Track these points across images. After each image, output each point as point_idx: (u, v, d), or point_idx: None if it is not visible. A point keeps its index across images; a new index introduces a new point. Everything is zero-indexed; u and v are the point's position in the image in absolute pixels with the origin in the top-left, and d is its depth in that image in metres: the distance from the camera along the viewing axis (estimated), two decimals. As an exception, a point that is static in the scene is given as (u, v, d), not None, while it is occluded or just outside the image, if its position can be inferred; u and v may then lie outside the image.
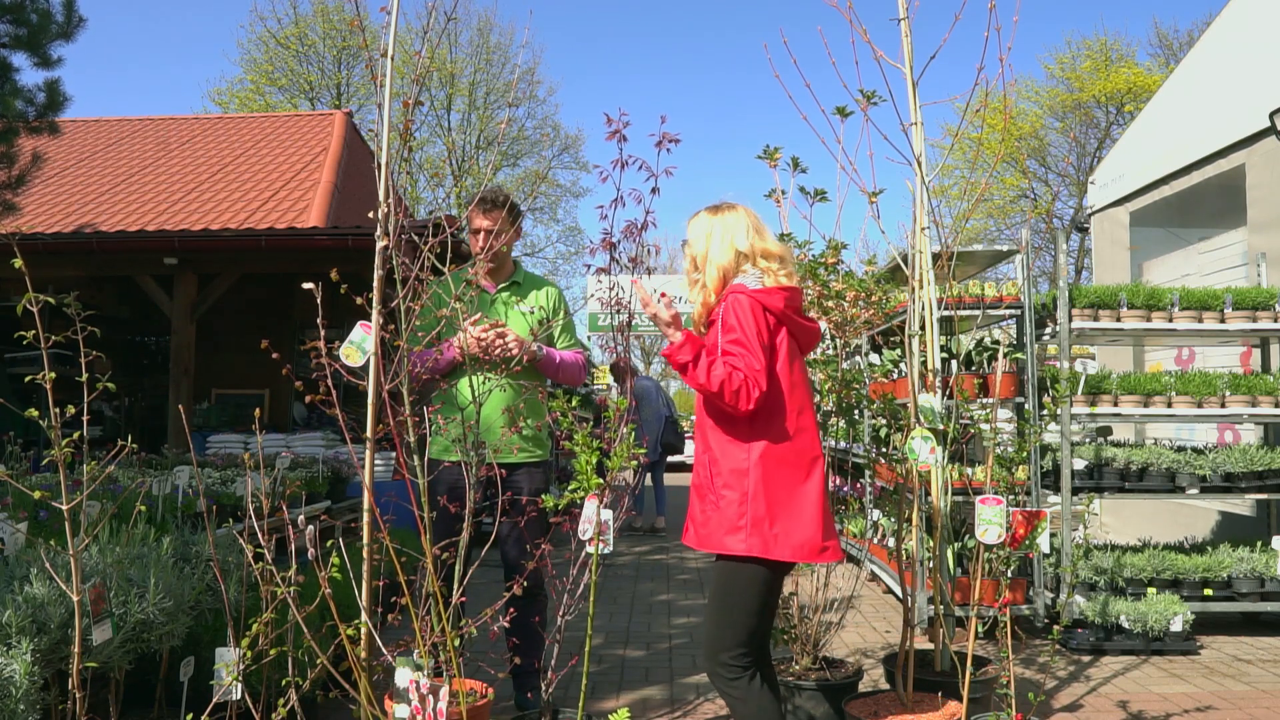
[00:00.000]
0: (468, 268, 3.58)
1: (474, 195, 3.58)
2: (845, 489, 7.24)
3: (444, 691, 2.35)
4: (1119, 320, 5.16)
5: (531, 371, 3.49)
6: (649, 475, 9.72)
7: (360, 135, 14.20)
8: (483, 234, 3.52)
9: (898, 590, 4.92)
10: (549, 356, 3.53)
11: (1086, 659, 4.65)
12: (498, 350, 3.29)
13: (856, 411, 4.17)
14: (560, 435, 2.84)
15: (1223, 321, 5.17)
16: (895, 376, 5.65)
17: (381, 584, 2.52)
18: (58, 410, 2.32)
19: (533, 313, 3.61)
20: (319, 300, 2.46)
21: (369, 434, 2.52)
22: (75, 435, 2.35)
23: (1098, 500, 6.49)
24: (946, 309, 4.17)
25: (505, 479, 3.34)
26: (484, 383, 2.95)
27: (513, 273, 3.69)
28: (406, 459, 2.58)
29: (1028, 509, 3.27)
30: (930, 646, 3.65)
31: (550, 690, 3.04)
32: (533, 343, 3.42)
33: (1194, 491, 5.13)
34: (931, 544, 3.59)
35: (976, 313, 4.96)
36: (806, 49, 3.45)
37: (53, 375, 2.29)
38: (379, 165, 2.61)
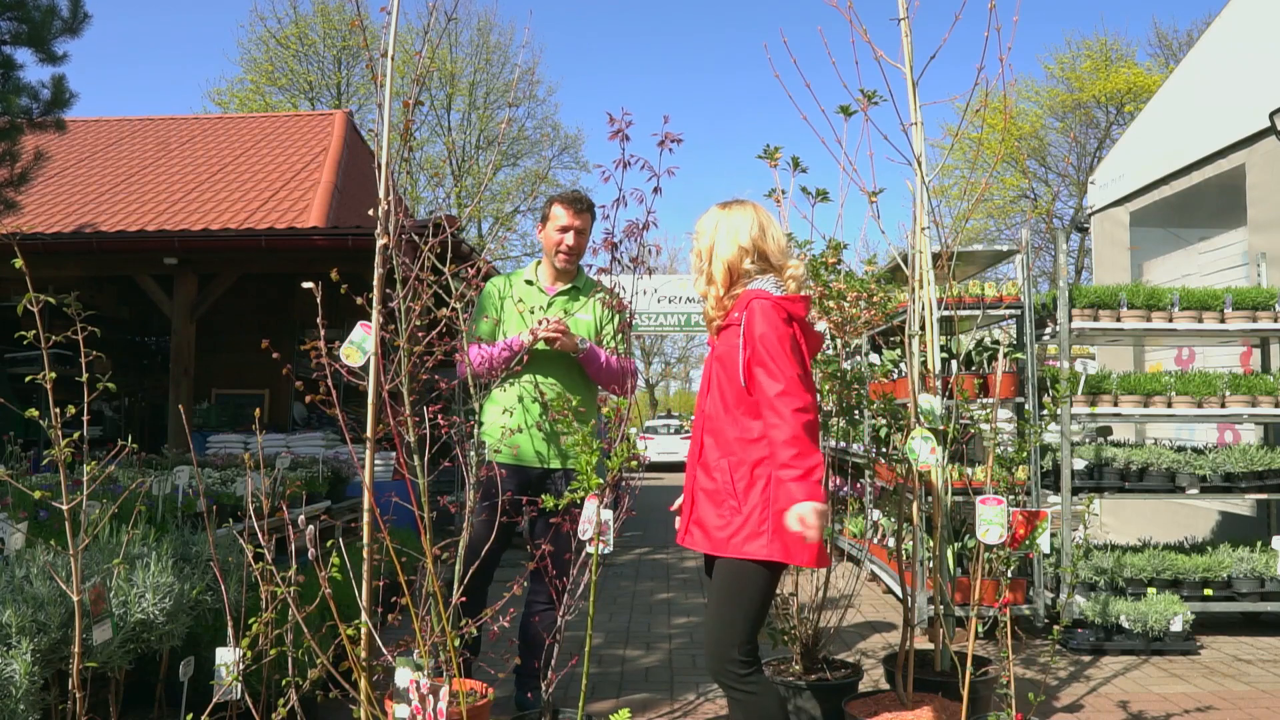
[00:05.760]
0: (533, 266, 3.63)
1: (559, 193, 3.63)
2: (845, 489, 7.23)
3: (444, 691, 2.35)
4: (1119, 320, 5.16)
5: (579, 373, 3.51)
6: None
7: (360, 135, 14.20)
8: (573, 233, 3.56)
9: (898, 590, 4.92)
10: (592, 354, 3.49)
11: (1086, 659, 4.65)
12: (556, 344, 3.36)
13: (856, 411, 4.16)
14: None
15: (1223, 321, 5.17)
16: (895, 376, 5.64)
17: (382, 584, 2.52)
18: (58, 410, 2.32)
19: (583, 317, 3.61)
20: (319, 300, 2.47)
21: (369, 434, 2.52)
22: (75, 435, 2.35)
23: (1098, 500, 6.49)
24: (946, 309, 4.17)
25: (549, 482, 3.41)
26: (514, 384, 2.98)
27: (574, 277, 3.68)
28: (406, 459, 2.58)
29: (1028, 509, 3.27)
30: (930, 646, 3.65)
31: (550, 690, 3.04)
32: (580, 338, 3.45)
33: (1194, 491, 5.12)
34: (931, 544, 3.59)
35: (976, 313, 4.96)
36: (806, 49, 3.45)
37: (53, 375, 2.30)
38: (379, 165, 2.61)
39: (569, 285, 3.64)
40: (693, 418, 2.82)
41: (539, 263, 3.69)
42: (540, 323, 3.37)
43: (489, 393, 3.33)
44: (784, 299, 2.54)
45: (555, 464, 3.47)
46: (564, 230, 3.55)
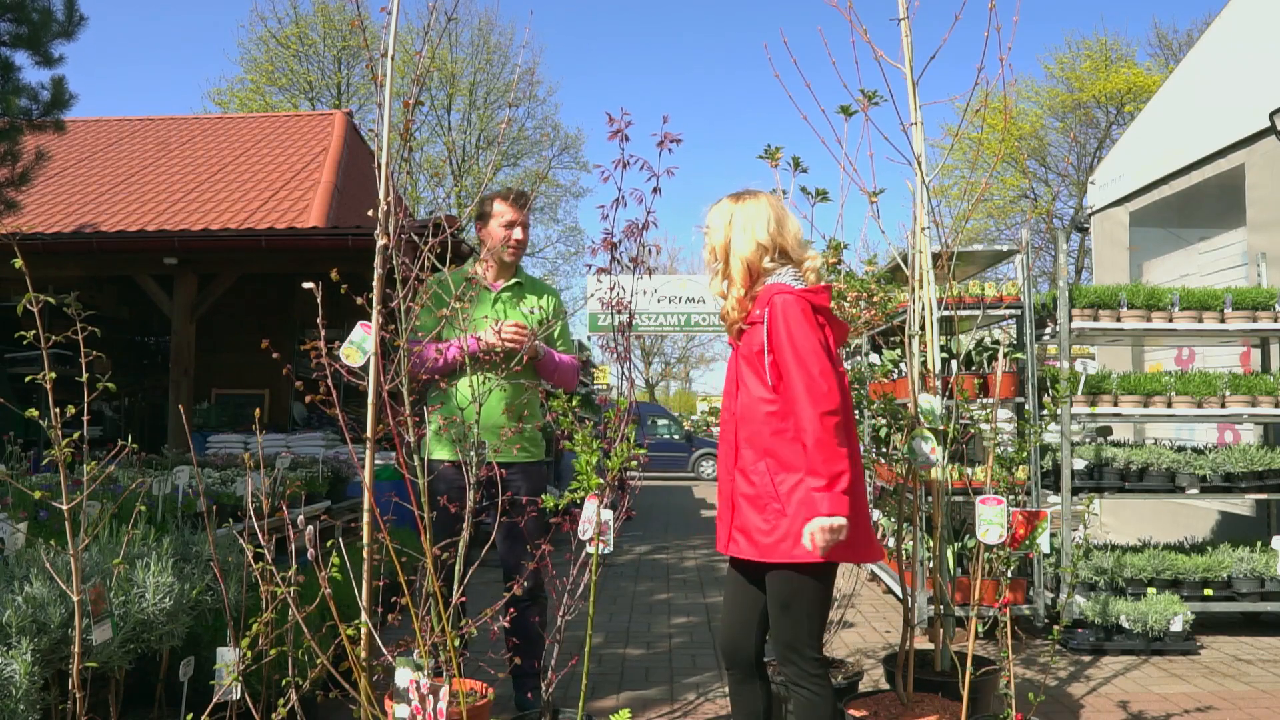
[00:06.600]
0: (473, 263, 3.63)
1: (496, 191, 3.64)
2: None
3: (444, 691, 2.35)
4: (1119, 320, 5.16)
5: (530, 371, 3.51)
6: None
7: (360, 135, 14.19)
8: (520, 228, 3.61)
9: (898, 590, 4.92)
10: (549, 356, 3.57)
11: (1086, 659, 4.65)
12: (514, 346, 3.32)
13: (856, 411, 4.16)
14: (560, 434, 2.84)
15: (1223, 321, 5.17)
16: (895, 376, 5.64)
17: (381, 584, 2.52)
18: (58, 410, 2.32)
19: (533, 313, 3.64)
20: (319, 300, 2.46)
21: (369, 434, 2.52)
22: (75, 435, 2.35)
23: (1098, 500, 6.49)
24: (946, 309, 4.17)
25: (503, 479, 3.37)
26: (484, 382, 2.96)
27: (515, 273, 3.71)
28: (406, 459, 2.58)
29: (1028, 509, 3.27)
30: (930, 646, 3.65)
31: (550, 690, 3.04)
32: (536, 340, 3.45)
33: (1194, 491, 5.12)
34: (931, 544, 3.59)
35: (976, 313, 4.96)
36: (806, 49, 3.45)
37: (53, 375, 2.29)
38: (379, 165, 2.61)
39: (513, 280, 3.67)
40: (719, 421, 2.78)
41: (476, 260, 3.68)
42: (496, 322, 3.33)
43: (445, 392, 3.32)
44: (806, 291, 2.50)
45: (511, 458, 3.41)
46: (511, 225, 3.59)
